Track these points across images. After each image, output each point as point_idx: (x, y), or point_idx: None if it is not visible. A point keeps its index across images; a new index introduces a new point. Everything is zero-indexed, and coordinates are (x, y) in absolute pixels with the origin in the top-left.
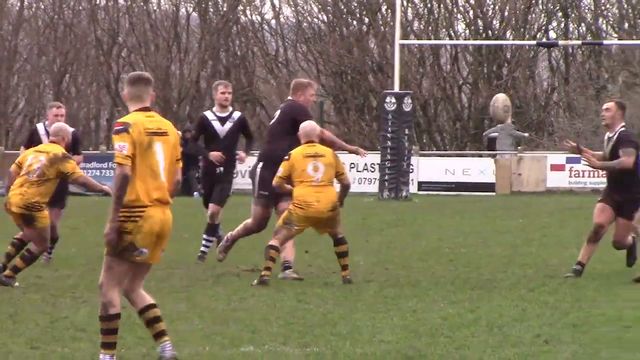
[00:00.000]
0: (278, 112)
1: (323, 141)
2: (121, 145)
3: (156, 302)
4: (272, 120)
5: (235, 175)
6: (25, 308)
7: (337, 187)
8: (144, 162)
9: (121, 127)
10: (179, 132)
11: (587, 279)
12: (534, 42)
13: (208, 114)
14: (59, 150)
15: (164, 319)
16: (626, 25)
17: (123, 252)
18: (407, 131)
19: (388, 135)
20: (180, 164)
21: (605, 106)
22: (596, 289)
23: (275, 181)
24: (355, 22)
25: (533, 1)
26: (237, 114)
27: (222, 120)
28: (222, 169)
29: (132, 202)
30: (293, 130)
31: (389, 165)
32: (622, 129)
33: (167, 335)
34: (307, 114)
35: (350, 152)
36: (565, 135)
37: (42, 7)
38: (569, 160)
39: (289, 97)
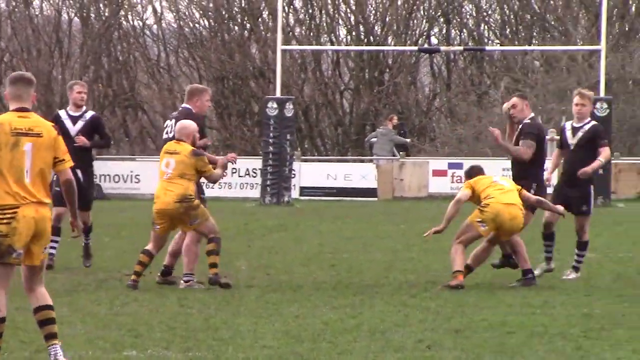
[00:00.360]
0: (173, 122)
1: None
2: None
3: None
4: (168, 133)
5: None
6: None
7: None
8: (10, 161)
9: None
10: None
11: (469, 284)
12: (415, 47)
13: (61, 113)
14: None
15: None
16: (508, 31)
17: (2, 256)
18: (288, 136)
19: (270, 140)
20: (66, 165)
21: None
22: (478, 295)
23: None
24: (236, 28)
25: (414, 7)
26: (90, 114)
27: (74, 120)
28: (78, 171)
29: (1, 204)
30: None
31: (270, 170)
32: (527, 120)
33: (57, 339)
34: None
35: (219, 166)
36: (447, 141)
37: None
38: (450, 166)
39: (184, 104)
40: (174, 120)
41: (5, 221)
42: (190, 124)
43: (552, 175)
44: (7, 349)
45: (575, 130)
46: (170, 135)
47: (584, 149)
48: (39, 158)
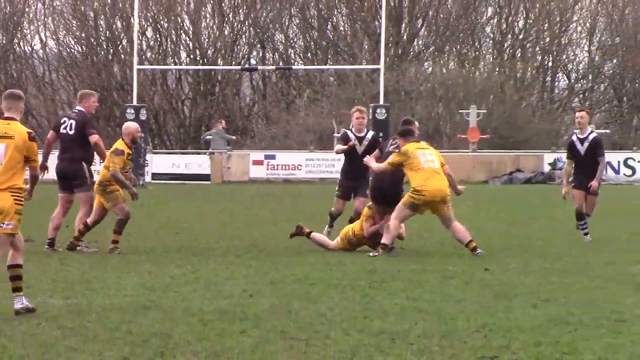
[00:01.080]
0: (72, 121)
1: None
2: None
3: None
4: (66, 129)
5: None
6: None
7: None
8: None
9: None
10: None
11: (279, 247)
12: (239, 67)
13: None
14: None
15: None
16: (309, 54)
17: None
18: (142, 135)
19: None
20: (35, 163)
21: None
22: (289, 256)
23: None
24: (102, 52)
25: (238, 35)
26: None
27: None
28: None
29: None
30: (85, 139)
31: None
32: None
33: (22, 291)
34: (93, 127)
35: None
36: (263, 138)
37: None
38: (266, 157)
39: (78, 107)
40: (70, 120)
41: None
42: (130, 125)
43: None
44: None
45: (359, 139)
46: (69, 131)
47: (366, 154)
48: (8, 155)
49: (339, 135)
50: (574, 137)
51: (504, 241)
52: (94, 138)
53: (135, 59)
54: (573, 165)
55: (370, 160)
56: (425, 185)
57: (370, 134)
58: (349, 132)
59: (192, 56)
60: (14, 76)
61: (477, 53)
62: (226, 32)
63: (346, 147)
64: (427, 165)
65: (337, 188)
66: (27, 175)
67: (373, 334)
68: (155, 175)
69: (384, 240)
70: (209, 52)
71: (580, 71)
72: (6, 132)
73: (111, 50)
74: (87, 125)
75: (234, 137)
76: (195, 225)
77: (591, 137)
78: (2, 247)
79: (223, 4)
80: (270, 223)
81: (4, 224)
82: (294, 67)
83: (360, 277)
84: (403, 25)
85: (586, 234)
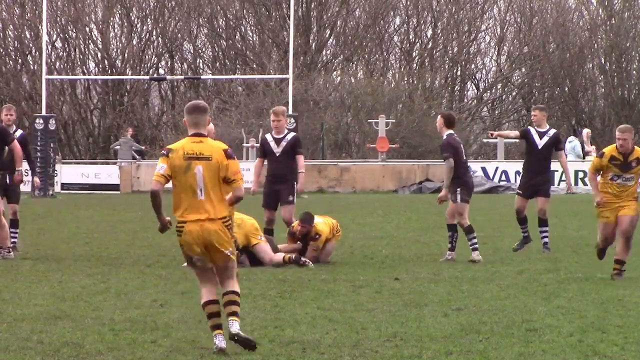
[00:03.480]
0: None
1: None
2: None
3: None
4: None
5: None
6: None
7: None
8: None
9: None
10: None
11: None
12: (147, 77)
13: None
14: None
15: None
16: (218, 64)
17: None
18: (52, 145)
19: (37, 148)
20: None
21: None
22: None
23: None
24: (11, 62)
25: (146, 45)
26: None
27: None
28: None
29: None
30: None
31: (38, 170)
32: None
33: None
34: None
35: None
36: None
37: None
38: None
39: None
40: None
41: None
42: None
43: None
44: None
45: (277, 140)
46: None
47: (287, 156)
48: None
49: (249, 145)
50: (531, 128)
51: (414, 250)
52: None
53: (44, 69)
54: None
55: None
56: None
57: (291, 135)
58: (267, 136)
59: (100, 66)
60: None
61: (385, 62)
62: (134, 42)
63: None
64: None
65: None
66: None
67: (284, 344)
68: (64, 185)
69: None
70: (118, 62)
71: (489, 80)
72: None
73: (20, 61)
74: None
75: (143, 147)
76: (106, 235)
77: (552, 132)
78: None
79: (131, 14)
80: None
81: None
82: (202, 76)
83: (271, 287)
84: (311, 35)
85: (526, 237)
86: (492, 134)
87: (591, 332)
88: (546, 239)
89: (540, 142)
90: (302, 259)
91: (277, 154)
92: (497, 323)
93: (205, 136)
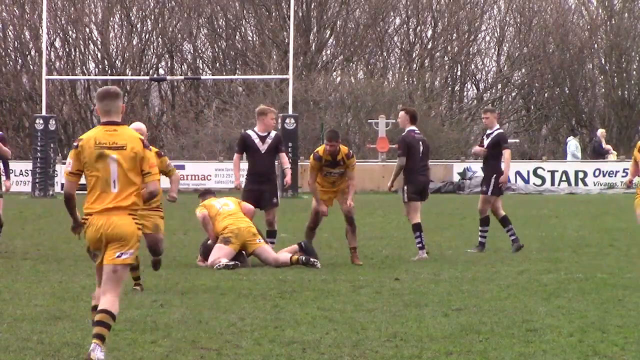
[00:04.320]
0: None
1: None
2: None
3: None
4: None
5: None
6: None
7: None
8: None
9: None
10: None
11: (189, 256)
12: (147, 77)
13: None
14: None
15: None
16: (218, 64)
17: None
18: (52, 145)
19: (38, 148)
20: None
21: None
22: (198, 265)
23: None
24: (11, 62)
25: (146, 46)
26: None
27: None
28: None
29: None
30: None
31: (39, 171)
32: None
33: None
34: None
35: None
36: (172, 149)
37: None
38: (176, 167)
39: None
40: None
41: None
42: None
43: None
44: None
45: (262, 138)
46: None
47: (271, 154)
48: None
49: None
50: (252, 133)
51: (414, 250)
52: None
53: (44, 69)
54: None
55: None
56: None
57: (274, 133)
58: (250, 133)
59: (100, 66)
60: None
61: (385, 63)
62: (134, 42)
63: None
64: None
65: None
66: None
67: (284, 344)
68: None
69: None
70: (117, 62)
71: (489, 81)
72: None
73: (20, 61)
74: None
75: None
76: None
77: (495, 132)
78: None
79: (131, 14)
80: (181, 232)
81: None
82: (202, 77)
83: (271, 287)
84: (311, 35)
85: (513, 238)
86: (473, 153)
87: (591, 332)
88: (483, 239)
89: (486, 143)
90: (312, 259)
91: (262, 152)
92: (497, 323)
93: (120, 124)
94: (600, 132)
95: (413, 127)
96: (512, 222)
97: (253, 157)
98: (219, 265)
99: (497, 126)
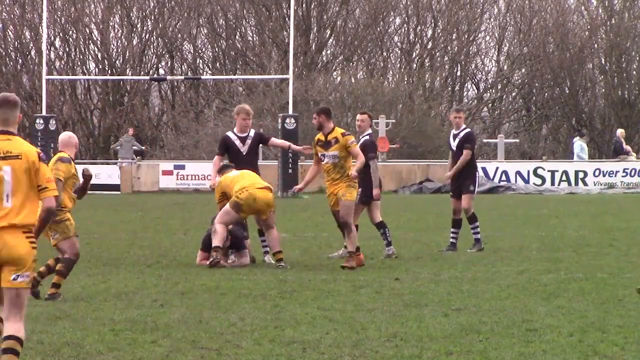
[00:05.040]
0: None
1: None
2: None
3: None
4: None
5: None
6: None
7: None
8: None
9: None
10: None
11: (189, 257)
12: (147, 77)
13: None
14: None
15: None
16: (218, 64)
17: None
18: (52, 145)
19: (38, 148)
20: None
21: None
22: (199, 265)
23: None
24: (11, 62)
25: (146, 46)
26: None
27: None
28: None
29: None
30: None
31: None
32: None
33: None
34: None
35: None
36: (172, 148)
37: None
38: (175, 167)
39: None
40: None
41: None
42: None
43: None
44: None
45: (242, 139)
46: None
47: (252, 154)
48: None
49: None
50: (451, 133)
51: (414, 250)
52: None
53: (44, 69)
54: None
55: None
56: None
57: (252, 131)
58: (230, 134)
59: (100, 66)
60: None
61: (385, 62)
62: (134, 42)
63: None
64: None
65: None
66: None
67: (284, 344)
68: None
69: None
70: (118, 62)
71: (489, 81)
72: None
73: (20, 61)
74: None
75: (143, 147)
76: (106, 235)
77: (463, 133)
78: None
79: (131, 14)
80: (181, 232)
81: None
82: (202, 77)
83: (271, 287)
84: (311, 35)
85: (452, 243)
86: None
87: (591, 332)
88: (477, 235)
89: (454, 144)
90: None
91: (244, 153)
92: (497, 323)
93: (14, 135)
94: (620, 132)
95: (370, 130)
96: (510, 221)
97: (236, 159)
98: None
99: (464, 126)
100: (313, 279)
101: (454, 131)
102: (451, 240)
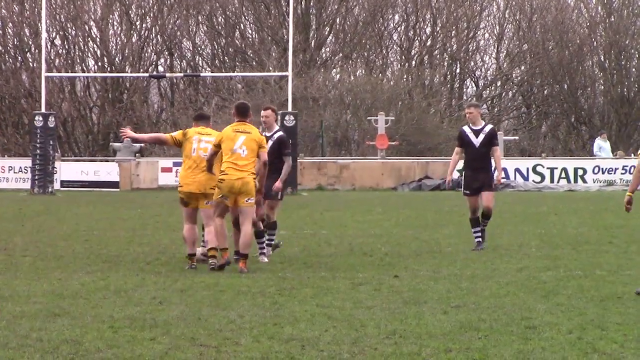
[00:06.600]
0: None
1: None
2: None
3: None
4: None
5: None
6: None
7: None
8: None
9: None
10: None
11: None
12: (146, 74)
13: None
14: None
15: None
16: (217, 61)
17: None
18: (51, 142)
19: (37, 145)
20: None
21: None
22: (198, 262)
23: None
24: (10, 60)
25: (145, 43)
26: None
27: None
28: None
29: None
30: None
31: (38, 168)
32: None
33: None
34: None
35: None
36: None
37: None
38: (175, 164)
39: None
40: None
41: None
42: None
43: None
44: None
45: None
46: None
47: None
48: None
49: None
50: (466, 128)
51: (413, 247)
52: None
53: (44, 66)
54: (464, 155)
55: None
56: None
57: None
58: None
59: (99, 63)
60: None
61: (384, 60)
62: (134, 40)
63: None
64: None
65: None
66: None
67: (283, 341)
68: (64, 183)
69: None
70: (117, 59)
71: (489, 78)
72: None
73: (19, 58)
74: None
75: (142, 145)
76: (105, 232)
77: (487, 129)
78: None
79: (130, 12)
80: (180, 230)
81: None
82: (202, 74)
83: (270, 284)
84: (311, 32)
85: (479, 242)
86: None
87: (590, 329)
88: (484, 235)
89: (477, 140)
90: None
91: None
92: (496, 320)
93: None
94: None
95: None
96: (509, 219)
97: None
98: (192, 266)
99: (483, 122)
100: (312, 276)
101: (472, 127)
102: (477, 240)
